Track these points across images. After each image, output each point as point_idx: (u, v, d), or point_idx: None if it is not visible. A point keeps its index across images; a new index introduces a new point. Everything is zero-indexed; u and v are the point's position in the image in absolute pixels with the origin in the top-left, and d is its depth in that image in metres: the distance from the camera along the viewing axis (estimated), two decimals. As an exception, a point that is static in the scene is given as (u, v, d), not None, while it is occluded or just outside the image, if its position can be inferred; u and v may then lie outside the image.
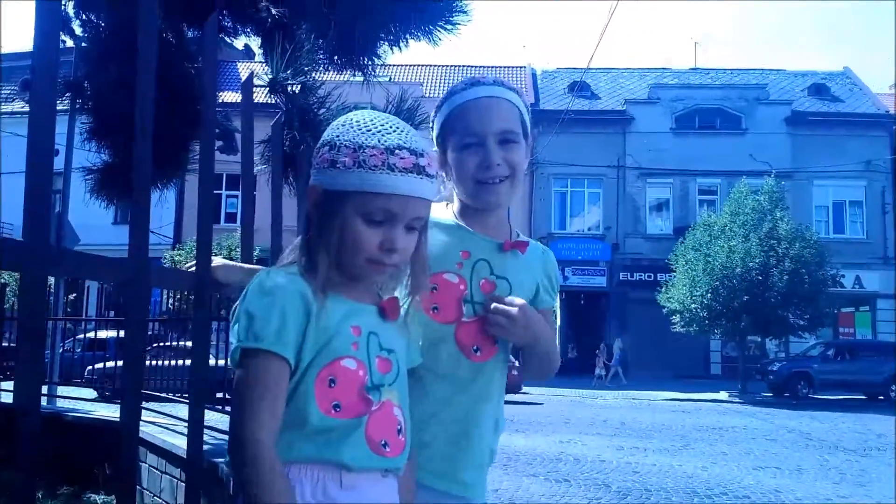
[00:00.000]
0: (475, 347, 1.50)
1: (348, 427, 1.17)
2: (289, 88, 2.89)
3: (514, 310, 1.46)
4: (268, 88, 2.95)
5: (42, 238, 1.23)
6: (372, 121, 1.24)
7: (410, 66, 27.38)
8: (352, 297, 1.26)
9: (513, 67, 29.94)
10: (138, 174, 1.54)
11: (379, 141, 1.21)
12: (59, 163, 19.90)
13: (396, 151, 1.20)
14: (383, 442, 1.21)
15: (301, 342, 1.16)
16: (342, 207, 1.21)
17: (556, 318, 1.68)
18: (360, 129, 1.23)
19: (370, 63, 3.76)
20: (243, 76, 23.13)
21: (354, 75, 3.79)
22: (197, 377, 1.87)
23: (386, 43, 3.71)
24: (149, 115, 1.52)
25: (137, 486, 5.53)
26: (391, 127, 1.24)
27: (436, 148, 1.63)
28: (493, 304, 1.48)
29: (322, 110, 3.26)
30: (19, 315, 1.21)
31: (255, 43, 3.86)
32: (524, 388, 19.54)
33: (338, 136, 1.24)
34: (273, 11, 3.13)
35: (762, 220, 19.85)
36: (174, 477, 4.64)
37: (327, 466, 1.16)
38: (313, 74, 2.98)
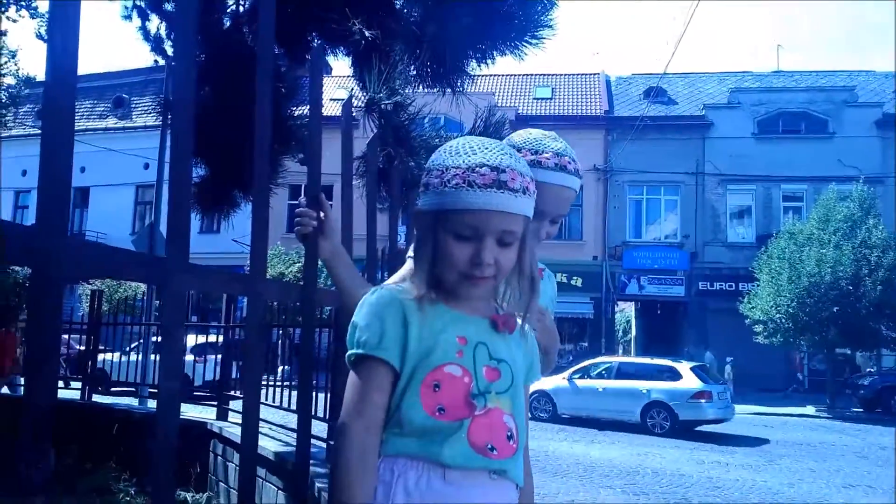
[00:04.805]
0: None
1: (450, 429, 1.24)
2: (382, 106, 3.00)
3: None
4: (364, 108, 3.07)
5: (183, 255, 1.33)
6: (462, 144, 1.32)
7: (482, 75, 27.46)
8: (460, 309, 1.32)
9: (586, 75, 29.65)
10: (256, 206, 1.64)
11: (463, 161, 1.28)
12: (150, 176, 20.85)
13: (477, 169, 1.27)
14: (489, 445, 1.26)
15: (404, 348, 1.25)
16: (434, 226, 1.30)
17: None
18: (449, 153, 1.32)
19: (459, 79, 3.84)
20: (323, 88, 23.80)
21: (444, 93, 3.88)
22: (304, 388, 1.96)
23: (474, 60, 3.78)
24: (266, 141, 1.62)
25: (223, 484, 5.76)
26: (478, 148, 1.30)
27: None
28: None
29: (413, 126, 3.37)
30: (162, 326, 1.31)
31: (344, 62, 4.01)
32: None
33: (432, 162, 1.34)
34: (366, 34, 3.25)
35: (855, 228, 18.99)
36: (259, 476, 4.81)
37: (432, 462, 1.24)
38: (405, 92, 3.09)
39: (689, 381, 13.96)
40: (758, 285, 20.34)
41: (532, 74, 29.52)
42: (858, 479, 9.27)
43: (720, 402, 13.87)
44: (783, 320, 19.18)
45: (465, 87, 4.25)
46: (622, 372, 15.16)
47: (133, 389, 9.80)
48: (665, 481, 8.63)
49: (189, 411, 7.33)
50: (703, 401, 13.62)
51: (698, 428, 13.81)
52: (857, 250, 18.49)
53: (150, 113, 26.81)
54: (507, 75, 29.08)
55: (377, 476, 1.23)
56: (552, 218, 1.65)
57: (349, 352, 1.28)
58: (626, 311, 32.54)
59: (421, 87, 3.77)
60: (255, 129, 1.62)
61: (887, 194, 22.83)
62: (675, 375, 14.29)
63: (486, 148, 1.31)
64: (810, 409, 19.16)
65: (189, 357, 12.19)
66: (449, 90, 3.95)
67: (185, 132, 1.39)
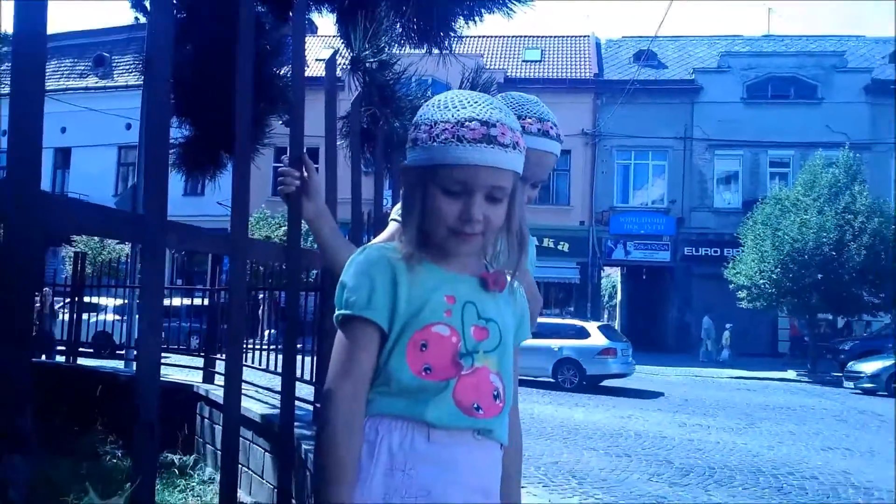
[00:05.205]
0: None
1: (436, 388, 1.23)
2: (367, 64, 2.94)
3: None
4: (349, 67, 3.01)
5: (162, 212, 1.30)
6: (451, 98, 1.29)
7: (471, 37, 27.10)
8: (449, 268, 1.31)
9: (576, 37, 29.35)
10: (238, 162, 1.61)
11: (452, 115, 1.25)
12: (132, 136, 20.49)
13: (466, 123, 1.24)
14: (475, 405, 1.25)
15: (393, 308, 1.24)
16: (423, 181, 1.27)
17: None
18: (437, 107, 1.28)
19: (446, 38, 3.76)
20: (308, 49, 23.46)
21: (430, 51, 3.80)
22: (289, 349, 1.94)
23: (461, 17, 3.70)
24: (247, 104, 1.58)
25: (210, 446, 5.79)
26: (467, 102, 1.27)
27: None
28: None
29: (398, 86, 3.31)
30: (142, 284, 1.28)
31: (329, 19, 3.91)
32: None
33: (420, 116, 1.30)
34: (352, -11, 3.17)
35: (839, 195, 19.09)
36: (245, 438, 4.83)
37: (417, 422, 1.23)
38: (391, 50, 3.03)
39: (597, 338, 14.91)
40: (742, 251, 20.49)
41: (521, 36, 29.18)
42: (837, 441, 9.45)
43: (623, 358, 14.88)
44: (766, 286, 19.37)
45: (453, 47, 4.17)
46: (535, 332, 15.69)
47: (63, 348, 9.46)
48: (647, 443, 8.76)
49: (175, 374, 7.32)
50: (608, 357, 14.64)
51: (604, 383, 14.88)
52: (840, 216, 18.63)
53: (131, 72, 26.33)
54: (495, 37, 28.73)
55: (363, 436, 1.22)
56: (532, 182, 1.65)
57: (337, 312, 1.26)
58: (612, 277, 32.73)
59: (407, 46, 3.69)
60: (236, 102, 1.57)
61: (874, 160, 22.93)
62: (583, 334, 15.19)
63: (476, 102, 1.28)
64: (791, 374, 19.47)
65: (112, 317, 12.16)
66: (436, 50, 3.88)
67: (162, 89, 1.35)
